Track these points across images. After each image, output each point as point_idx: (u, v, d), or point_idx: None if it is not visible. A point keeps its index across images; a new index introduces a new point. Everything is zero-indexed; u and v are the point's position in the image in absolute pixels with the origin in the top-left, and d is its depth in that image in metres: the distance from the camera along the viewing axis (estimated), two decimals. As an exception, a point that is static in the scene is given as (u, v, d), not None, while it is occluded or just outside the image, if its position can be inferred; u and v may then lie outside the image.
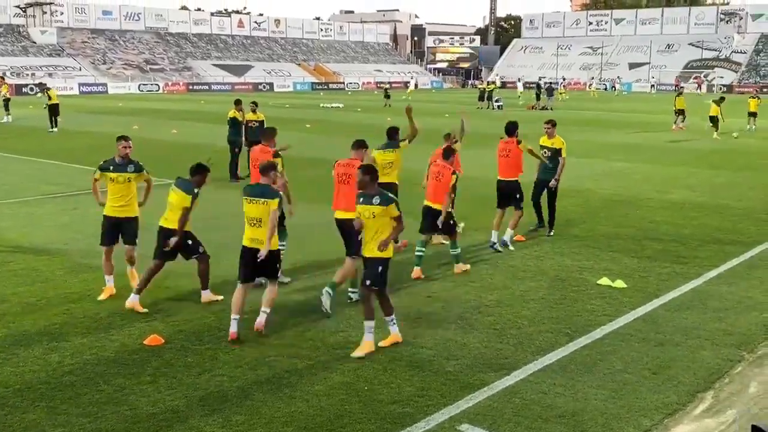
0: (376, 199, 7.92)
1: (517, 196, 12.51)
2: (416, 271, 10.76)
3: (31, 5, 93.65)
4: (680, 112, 36.40)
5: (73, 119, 40.11)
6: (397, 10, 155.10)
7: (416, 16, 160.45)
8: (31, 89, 78.04)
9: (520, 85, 77.20)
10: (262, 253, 8.19)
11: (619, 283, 10.43)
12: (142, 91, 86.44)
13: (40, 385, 7.09)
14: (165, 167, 22.31)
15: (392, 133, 11.59)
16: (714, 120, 32.82)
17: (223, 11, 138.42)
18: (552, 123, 13.71)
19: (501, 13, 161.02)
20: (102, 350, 7.97)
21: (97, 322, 8.81)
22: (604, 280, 10.58)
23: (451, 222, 11.05)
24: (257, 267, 8.35)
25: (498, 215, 12.47)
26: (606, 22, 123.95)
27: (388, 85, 70.49)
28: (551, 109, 53.96)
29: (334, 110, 53.45)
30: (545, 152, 13.41)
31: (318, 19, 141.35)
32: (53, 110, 35.06)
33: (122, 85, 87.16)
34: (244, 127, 20.18)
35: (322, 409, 6.61)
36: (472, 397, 6.86)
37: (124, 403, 6.72)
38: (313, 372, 7.43)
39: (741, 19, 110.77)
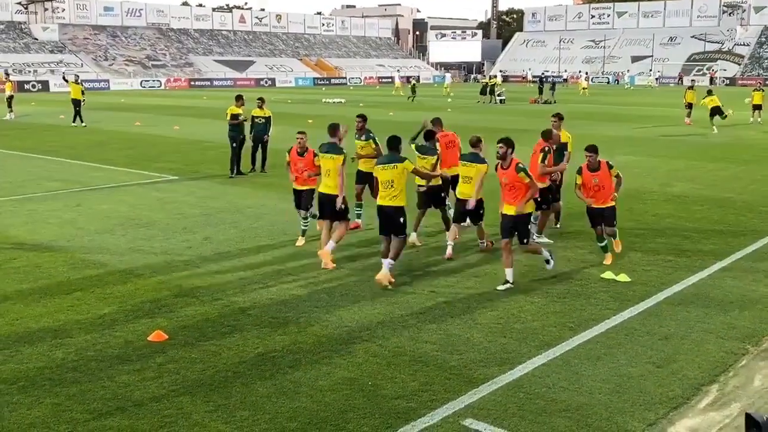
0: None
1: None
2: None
3: (32, 2, 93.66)
4: (690, 106, 36.27)
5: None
6: (399, 4, 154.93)
7: (418, 11, 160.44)
8: (33, 86, 78.10)
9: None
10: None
11: (623, 277, 10.42)
12: (144, 87, 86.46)
13: (45, 381, 7.10)
14: (167, 163, 22.35)
15: (429, 136, 12.55)
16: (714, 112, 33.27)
17: (225, 7, 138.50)
18: (559, 116, 13.62)
19: (503, 6, 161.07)
20: (106, 346, 7.98)
21: (101, 319, 8.82)
22: (608, 274, 10.57)
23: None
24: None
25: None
26: (608, 15, 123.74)
27: (415, 81, 69.02)
28: (554, 102, 53.94)
29: (336, 105, 53.40)
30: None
31: (319, 13, 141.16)
32: (75, 104, 35.38)
33: (124, 81, 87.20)
34: (250, 123, 19.85)
35: (327, 405, 6.61)
36: (476, 392, 6.85)
37: (128, 399, 6.72)
38: (316, 367, 7.43)
39: (744, 11, 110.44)
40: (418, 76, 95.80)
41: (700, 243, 12.54)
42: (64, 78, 39.17)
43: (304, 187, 12.22)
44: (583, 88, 68.12)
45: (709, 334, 8.33)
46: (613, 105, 52.29)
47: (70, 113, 36.17)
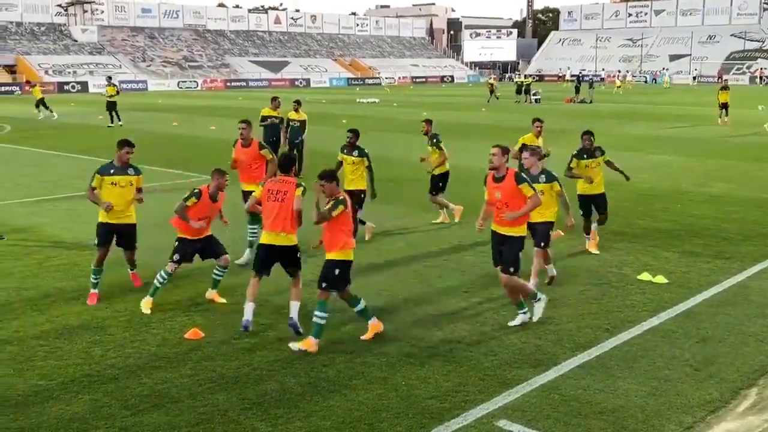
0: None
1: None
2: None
3: (72, 4, 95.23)
4: (724, 106, 35.72)
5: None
6: (433, 3, 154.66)
7: (452, 10, 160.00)
8: (73, 87, 79.37)
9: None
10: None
11: (660, 279, 10.29)
12: (181, 88, 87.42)
13: (83, 377, 7.22)
14: (203, 163, 22.55)
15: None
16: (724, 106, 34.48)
17: (261, 8, 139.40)
18: (542, 122, 13.49)
19: (538, 5, 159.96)
20: (143, 344, 8.09)
21: (139, 316, 8.93)
22: (645, 276, 10.45)
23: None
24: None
25: None
26: (645, 14, 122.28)
27: (494, 78, 66.58)
28: (590, 102, 53.44)
29: (370, 105, 53.48)
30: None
31: (354, 14, 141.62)
32: (110, 106, 36.04)
33: (161, 82, 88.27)
34: (286, 125, 19.42)
35: (360, 404, 6.63)
36: (510, 393, 6.83)
37: (165, 396, 6.81)
38: (350, 366, 7.45)
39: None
40: (502, 75, 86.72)
41: (738, 244, 12.34)
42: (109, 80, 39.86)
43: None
44: (617, 87, 67.68)
45: (748, 337, 8.20)
46: (648, 104, 51.66)
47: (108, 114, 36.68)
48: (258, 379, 7.16)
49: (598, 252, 11.83)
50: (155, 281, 9.23)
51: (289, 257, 8.49)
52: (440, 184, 13.87)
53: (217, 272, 9.52)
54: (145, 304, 9.14)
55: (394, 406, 6.57)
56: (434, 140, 13.78)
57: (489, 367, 7.42)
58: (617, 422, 6.30)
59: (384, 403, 6.63)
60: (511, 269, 8.41)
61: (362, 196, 12.26)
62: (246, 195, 10.78)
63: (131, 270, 10.15)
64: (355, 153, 12.22)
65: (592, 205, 11.99)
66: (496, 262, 8.71)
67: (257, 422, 6.31)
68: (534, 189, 8.41)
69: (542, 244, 9.84)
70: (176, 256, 9.25)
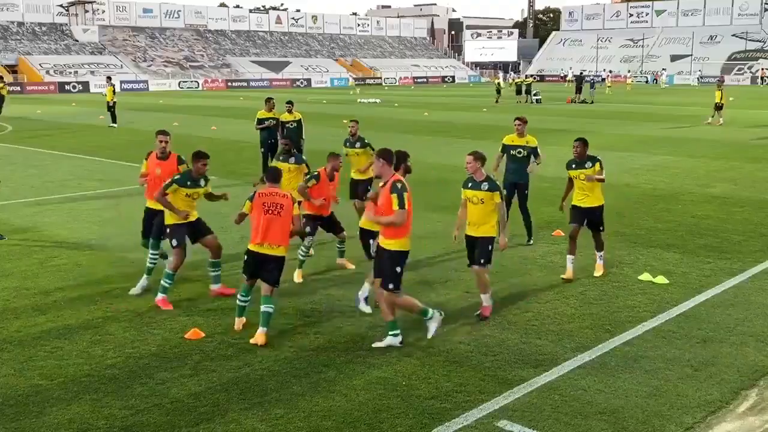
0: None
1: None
2: None
3: (73, 4, 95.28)
4: (719, 107, 35.66)
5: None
6: (435, 4, 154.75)
7: (453, 10, 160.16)
8: (74, 87, 79.40)
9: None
10: None
11: (661, 279, 10.29)
12: (182, 88, 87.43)
13: (84, 377, 7.22)
14: (204, 163, 22.56)
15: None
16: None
17: (262, 8, 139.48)
18: (523, 120, 12.58)
19: (539, 5, 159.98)
20: (144, 344, 8.09)
21: (139, 317, 8.94)
22: (646, 276, 10.44)
23: None
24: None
25: None
26: (647, 14, 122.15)
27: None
28: (592, 102, 53.44)
29: (371, 105, 53.49)
30: (519, 152, 12.32)
31: (355, 14, 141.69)
32: (110, 106, 36.12)
33: (163, 82, 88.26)
34: (280, 127, 19.17)
35: (361, 404, 6.64)
36: (511, 393, 6.83)
37: (165, 395, 6.81)
38: (351, 366, 7.45)
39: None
40: (534, 75, 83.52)
41: (740, 245, 12.34)
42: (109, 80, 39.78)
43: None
44: (608, 86, 68.59)
45: (748, 338, 8.20)
46: (649, 104, 51.63)
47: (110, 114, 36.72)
48: (258, 379, 7.16)
49: (600, 273, 10.59)
50: (299, 256, 10.39)
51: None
52: (368, 187, 12.56)
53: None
54: (298, 275, 10.27)
55: (395, 407, 6.58)
56: (364, 142, 13.07)
57: (489, 368, 7.42)
58: (617, 423, 6.30)
59: (384, 404, 6.64)
60: (390, 285, 7.86)
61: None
62: (151, 215, 10.13)
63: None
64: (358, 145, 13.02)
65: (586, 220, 10.56)
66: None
67: (257, 422, 6.31)
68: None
69: (482, 260, 8.81)
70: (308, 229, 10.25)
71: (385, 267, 7.91)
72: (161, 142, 10.09)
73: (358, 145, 13.18)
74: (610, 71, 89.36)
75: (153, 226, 9.97)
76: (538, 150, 12.49)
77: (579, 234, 10.48)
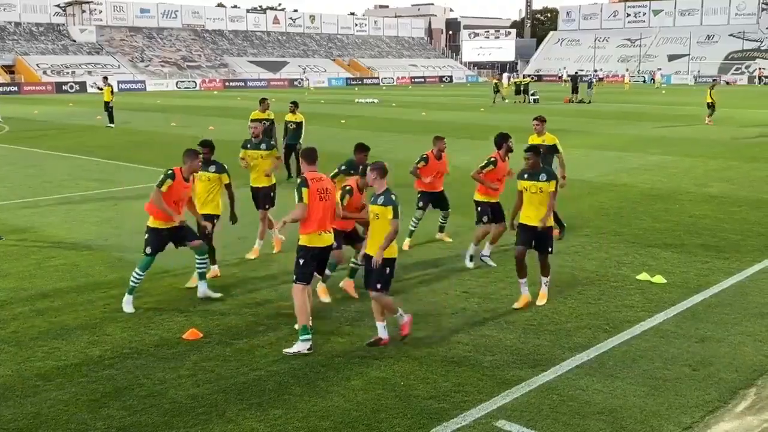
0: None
1: (478, 209, 11.40)
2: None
3: (70, 4, 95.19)
4: (711, 106, 35.70)
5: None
6: (432, 4, 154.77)
7: (451, 10, 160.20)
8: (71, 87, 79.32)
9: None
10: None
11: (659, 279, 10.30)
12: (179, 88, 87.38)
13: (81, 378, 7.21)
14: (202, 163, 22.54)
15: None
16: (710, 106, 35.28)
17: (259, 8, 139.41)
18: (541, 119, 13.05)
19: (537, 5, 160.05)
20: (141, 344, 8.08)
21: (137, 317, 8.93)
22: (644, 276, 10.45)
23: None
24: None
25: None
26: (644, 14, 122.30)
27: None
28: (590, 102, 53.46)
29: (369, 106, 53.48)
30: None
31: (352, 14, 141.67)
32: (108, 106, 36.01)
33: (160, 82, 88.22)
34: (283, 127, 19.15)
35: (359, 404, 6.63)
36: (509, 393, 6.82)
37: (163, 396, 6.80)
38: (349, 367, 7.45)
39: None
40: (502, 74, 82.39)
41: (738, 245, 12.34)
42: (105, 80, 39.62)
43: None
44: (594, 85, 68.38)
45: (746, 337, 8.21)
46: (647, 104, 51.67)
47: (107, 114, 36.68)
48: (256, 380, 7.16)
49: (544, 302, 9.44)
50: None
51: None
52: (271, 194, 12.04)
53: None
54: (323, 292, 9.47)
55: (393, 407, 6.57)
56: (270, 144, 12.37)
57: (488, 368, 7.41)
58: (616, 422, 6.30)
59: (383, 404, 6.63)
60: (378, 286, 7.93)
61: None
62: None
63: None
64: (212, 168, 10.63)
65: (533, 241, 9.39)
66: None
67: (255, 423, 6.30)
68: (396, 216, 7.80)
69: (378, 285, 7.97)
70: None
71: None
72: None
73: (263, 146, 12.14)
74: (597, 71, 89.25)
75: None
76: (558, 147, 12.91)
77: (526, 256, 9.37)
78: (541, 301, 9.40)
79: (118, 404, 6.64)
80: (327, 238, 8.07)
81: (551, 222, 9.55)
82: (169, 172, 9.23)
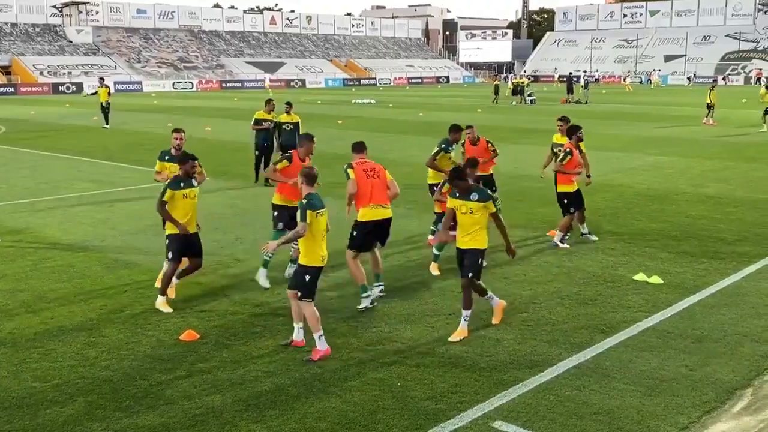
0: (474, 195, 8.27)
1: (565, 201, 12.28)
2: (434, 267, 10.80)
3: (67, 5, 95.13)
4: (710, 107, 35.70)
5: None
6: (429, 4, 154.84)
7: (448, 11, 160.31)
8: (68, 88, 79.24)
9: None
10: None
11: (656, 279, 10.30)
12: (176, 88, 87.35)
13: (78, 380, 7.19)
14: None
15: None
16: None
17: (256, 8, 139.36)
18: (565, 120, 13.41)
19: (534, 6, 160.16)
20: (138, 346, 8.07)
21: (133, 318, 8.91)
22: (640, 276, 10.45)
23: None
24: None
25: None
26: (641, 14, 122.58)
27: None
28: (586, 102, 53.49)
29: (366, 106, 53.48)
30: (560, 150, 12.64)
31: (349, 14, 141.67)
32: (104, 108, 35.99)
33: (157, 83, 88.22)
34: (277, 129, 18.94)
35: (356, 405, 6.62)
36: (506, 394, 6.82)
37: (160, 397, 6.79)
38: (346, 368, 7.44)
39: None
40: (499, 75, 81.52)
41: (734, 245, 12.36)
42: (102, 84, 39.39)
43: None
44: (581, 86, 68.00)
45: (743, 338, 8.21)
46: (643, 105, 51.72)
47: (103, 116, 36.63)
48: (253, 381, 7.14)
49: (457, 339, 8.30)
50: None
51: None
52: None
53: None
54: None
55: (390, 407, 6.56)
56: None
57: (485, 368, 7.41)
58: (613, 423, 6.29)
59: (380, 405, 6.62)
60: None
61: None
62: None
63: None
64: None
65: (459, 264, 8.46)
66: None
67: (252, 424, 6.29)
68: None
69: (301, 293, 7.77)
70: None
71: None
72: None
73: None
74: (586, 72, 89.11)
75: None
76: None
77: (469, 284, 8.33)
78: (459, 336, 8.16)
79: (114, 405, 6.63)
80: (381, 212, 9.20)
81: (483, 244, 8.33)
82: (287, 154, 10.21)
